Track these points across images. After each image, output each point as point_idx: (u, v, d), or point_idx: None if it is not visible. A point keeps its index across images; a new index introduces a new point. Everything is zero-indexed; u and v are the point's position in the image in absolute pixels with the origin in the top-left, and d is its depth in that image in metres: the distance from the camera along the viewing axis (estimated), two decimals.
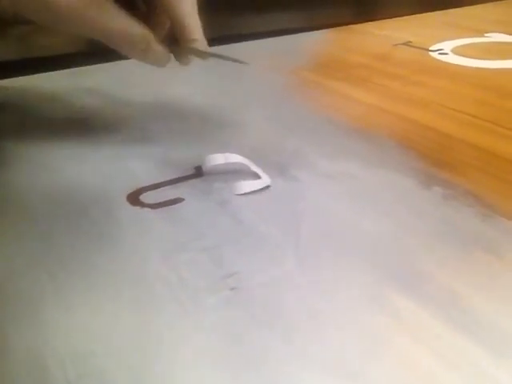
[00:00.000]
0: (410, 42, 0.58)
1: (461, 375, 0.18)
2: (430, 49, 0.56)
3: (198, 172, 0.31)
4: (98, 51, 0.60)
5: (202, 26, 0.34)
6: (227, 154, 0.31)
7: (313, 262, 0.24)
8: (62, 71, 0.50)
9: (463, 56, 0.53)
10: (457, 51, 0.55)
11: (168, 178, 0.30)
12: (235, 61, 0.34)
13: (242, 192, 0.29)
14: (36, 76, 0.49)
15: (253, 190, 0.29)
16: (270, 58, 0.54)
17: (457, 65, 0.51)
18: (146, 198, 0.28)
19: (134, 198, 0.28)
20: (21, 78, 0.48)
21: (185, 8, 0.32)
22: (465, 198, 0.29)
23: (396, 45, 0.57)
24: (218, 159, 0.31)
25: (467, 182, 0.30)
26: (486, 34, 0.61)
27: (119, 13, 0.30)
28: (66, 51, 0.60)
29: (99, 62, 0.52)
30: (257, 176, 0.30)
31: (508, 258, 0.24)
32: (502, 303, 0.21)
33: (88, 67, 0.52)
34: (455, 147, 0.35)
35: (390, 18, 0.73)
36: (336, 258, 0.24)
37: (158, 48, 0.32)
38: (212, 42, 0.35)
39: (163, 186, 0.30)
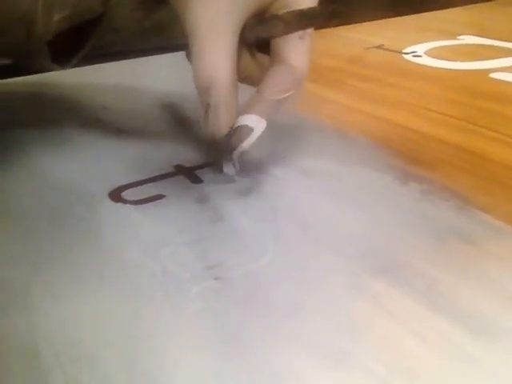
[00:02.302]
0: (383, 45, 0.60)
1: (440, 354, 0.19)
2: (404, 51, 0.58)
3: (178, 170, 0.32)
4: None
5: None
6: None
7: (292, 253, 0.25)
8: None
9: (436, 58, 0.55)
10: (430, 53, 0.57)
11: (149, 176, 0.31)
12: None
13: (247, 147, 0.28)
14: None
15: (252, 141, 0.28)
16: None
17: (430, 66, 0.53)
18: (127, 195, 0.29)
19: (116, 196, 0.29)
20: None
21: None
22: (441, 192, 0.30)
23: (369, 48, 0.59)
24: None
25: (443, 178, 0.32)
26: (458, 37, 0.64)
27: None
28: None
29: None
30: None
31: (483, 247, 0.26)
32: (478, 287, 0.23)
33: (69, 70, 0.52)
34: (430, 144, 0.36)
35: (362, 21, 0.75)
36: (315, 250, 0.25)
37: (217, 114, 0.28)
38: None
39: (144, 184, 0.31)
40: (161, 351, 0.19)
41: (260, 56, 0.32)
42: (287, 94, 0.30)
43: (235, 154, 0.29)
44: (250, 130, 0.28)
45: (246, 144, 0.28)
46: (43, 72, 0.52)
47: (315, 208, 0.29)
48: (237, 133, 0.28)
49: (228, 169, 0.30)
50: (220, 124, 0.28)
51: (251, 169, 0.32)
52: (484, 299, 0.22)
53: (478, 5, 0.85)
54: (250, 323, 0.21)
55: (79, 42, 0.55)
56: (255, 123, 0.28)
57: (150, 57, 0.57)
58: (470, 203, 0.29)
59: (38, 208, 0.29)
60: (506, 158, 0.34)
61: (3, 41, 0.47)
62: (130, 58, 0.56)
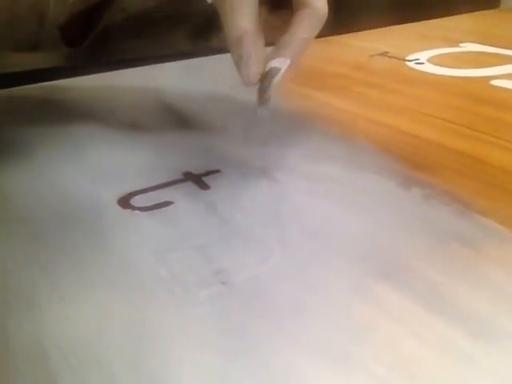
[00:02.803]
0: (387, 52, 0.60)
1: (440, 355, 0.19)
2: (407, 59, 0.58)
3: (187, 177, 0.32)
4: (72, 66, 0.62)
5: None
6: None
7: (296, 257, 0.25)
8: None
9: (439, 65, 0.56)
10: (433, 61, 0.57)
11: (157, 183, 0.32)
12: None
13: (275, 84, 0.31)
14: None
15: (279, 78, 0.31)
16: None
17: (433, 74, 0.53)
18: (136, 201, 0.30)
19: (125, 202, 0.30)
20: None
21: None
22: (442, 197, 0.30)
23: (373, 55, 0.60)
24: None
25: (445, 183, 0.32)
26: (460, 44, 0.64)
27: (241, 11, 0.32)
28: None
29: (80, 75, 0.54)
30: None
31: (483, 251, 0.26)
32: (478, 289, 0.23)
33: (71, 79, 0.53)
34: (432, 150, 0.37)
35: (366, 29, 0.75)
36: (319, 254, 0.25)
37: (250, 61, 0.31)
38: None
39: (153, 190, 0.31)
40: (166, 352, 0.20)
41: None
42: (315, 32, 0.34)
43: (267, 94, 0.32)
44: (278, 70, 0.32)
45: (275, 82, 0.32)
46: (53, 69, 0.53)
47: (318, 212, 0.29)
48: (267, 75, 0.32)
49: (262, 111, 0.32)
50: (252, 72, 0.31)
51: (257, 174, 0.33)
52: (483, 301, 0.22)
53: (480, 12, 0.85)
54: (254, 324, 0.21)
55: (89, 27, 0.56)
56: (281, 63, 0.32)
57: (160, 64, 0.58)
58: (471, 207, 0.29)
59: (47, 213, 0.29)
60: (506, 162, 0.34)
61: (16, 30, 0.48)
62: (142, 65, 0.57)
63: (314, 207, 0.29)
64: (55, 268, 0.24)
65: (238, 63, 0.31)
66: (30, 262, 0.25)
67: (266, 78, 0.32)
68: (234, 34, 0.31)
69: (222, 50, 0.58)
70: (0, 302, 0.22)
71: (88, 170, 0.34)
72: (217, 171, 0.33)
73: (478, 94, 0.48)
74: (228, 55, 0.32)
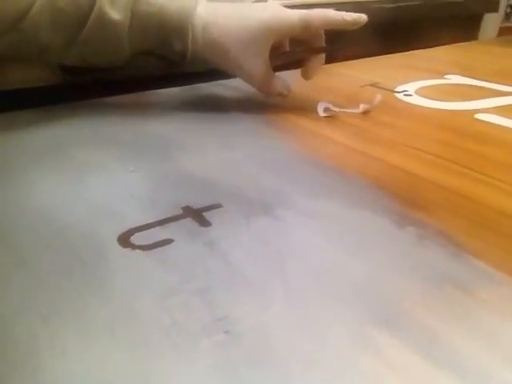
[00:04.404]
0: (377, 82, 0.59)
1: None
2: (396, 90, 0.57)
3: (186, 212, 0.31)
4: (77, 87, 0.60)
5: None
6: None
7: (299, 303, 0.24)
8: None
9: (426, 97, 0.55)
10: (420, 93, 0.56)
11: (157, 218, 0.30)
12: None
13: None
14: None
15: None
16: (247, 98, 0.55)
17: (421, 106, 0.53)
18: (136, 239, 0.28)
19: (125, 240, 0.28)
20: None
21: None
22: (436, 237, 0.29)
23: (363, 86, 0.59)
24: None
25: (438, 222, 0.31)
26: (445, 76, 0.63)
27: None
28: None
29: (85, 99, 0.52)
30: None
31: (477, 294, 0.25)
32: (475, 338, 0.22)
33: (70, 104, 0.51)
34: (424, 187, 0.36)
35: (352, 57, 0.74)
36: (320, 299, 0.24)
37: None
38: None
39: (153, 227, 0.29)
40: None
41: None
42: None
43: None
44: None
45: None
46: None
47: (318, 253, 0.28)
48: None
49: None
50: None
51: (257, 210, 0.31)
52: (480, 350, 0.21)
53: (461, 44, 0.85)
54: (258, 377, 0.20)
55: None
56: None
57: (157, 90, 0.57)
58: (464, 249, 0.28)
59: (45, 253, 0.27)
60: (493, 201, 0.34)
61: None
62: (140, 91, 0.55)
63: (314, 247, 0.28)
64: (56, 318, 0.22)
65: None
66: (30, 310, 0.23)
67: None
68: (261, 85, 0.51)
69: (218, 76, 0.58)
70: (5, 359, 0.21)
71: (87, 202, 0.32)
72: (217, 206, 0.32)
73: (464, 128, 0.47)
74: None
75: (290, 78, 0.53)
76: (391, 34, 1.05)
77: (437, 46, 0.82)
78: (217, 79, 0.59)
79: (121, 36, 0.46)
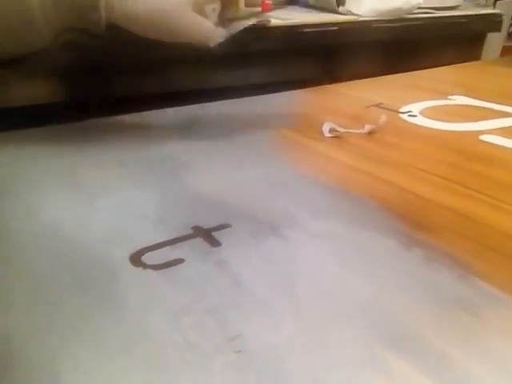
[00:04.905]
0: (381, 103, 0.61)
1: None
2: (400, 111, 0.58)
3: (196, 232, 0.32)
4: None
5: None
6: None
7: (309, 323, 0.25)
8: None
9: (431, 118, 0.56)
10: (425, 113, 0.57)
11: (167, 238, 0.31)
12: None
13: None
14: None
15: None
16: (253, 118, 0.56)
17: (425, 127, 0.54)
18: (148, 258, 0.29)
19: (137, 259, 0.29)
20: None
21: None
22: (443, 259, 0.30)
23: (368, 106, 0.60)
24: None
25: (444, 244, 0.32)
26: (449, 97, 0.64)
27: None
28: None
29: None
30: None
31: (484, 317, 0.26)
32: (485, 362, 0.23)
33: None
34: (431, 209, 0.36)
35: (355, 75, 0.76)
36: (330, 321, 0.25)
37: None
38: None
39: (164, 247, 0.30)
40: None
41: None
42: None
43: None
44: None
45: None
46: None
47: (327, 274, 0.29)
48: None
49: None
50: None
51: (266, 230, 0.32)
52: (491, 375, 0.22)
53: (465, 64, 0.87)
54: None
55: None
56: None
57: (163, 109, 0.58)
58: (471, 271, 0.29)
59: (60, 274, 0.28)
60: (499, 223, 0.34)
61: None
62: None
63: (322, 267, 0.29)
64: (72, 337, 0.23)
65: None
66: (47, 330, 0.24)
67: None
68: None
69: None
70: (25, 381, 0.21)
71: (98, 223, 0.33)
72: (226, 226, 0.33)
73: (469, 149, 0.48)
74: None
75: (296, 99, 0.54)
76: (394, 53, 1.06)
77: (440, 64, 0.83)
78: (223, 99, 0.60)
79: (34, 15, 0.46)
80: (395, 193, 0.39)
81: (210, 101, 0.60)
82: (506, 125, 0.54)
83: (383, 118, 0.51)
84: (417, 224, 0.34)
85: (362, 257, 0.30)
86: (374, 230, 0.33)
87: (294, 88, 0.65)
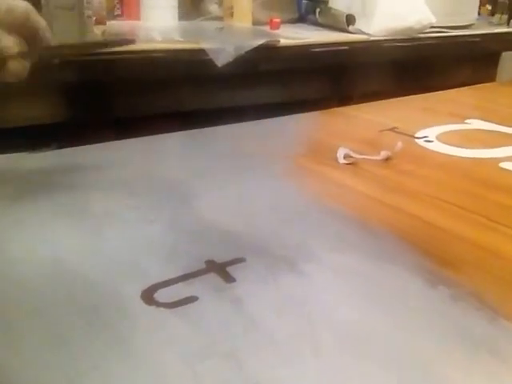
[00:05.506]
0: (396, 127, 0.60)
1: None
2: (416, 135, 0.58)
3: (209, 267, 0.31)
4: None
5: None
6: None
7: (331, 368, 0.24)
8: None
9: (447, 144, 0.55)
10: (442, 139, 0.57)
11: (180, 273, 0.30)
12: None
13: None
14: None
15: None
16: (265, 143, 0.55)
17: (442, 153, 0.53)
18: (160, 295, 0.28)
19: (149, 296, 0.28)
20: None
21: None
22: (470, 298, 0.29)
23: (382, 130, 0.59)
24: None
25: (469, 281, 0.31)
26: (466, 121, 0.64)
27: None
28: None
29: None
30: None
31: (510, 362, 0.25)
32: None
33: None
34: (453, 243, 0.36)
35: (367, 94, 0.75)
36: (352, 363, 0.24)
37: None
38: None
39: (176, 283, 0.29)
40: None
41: None
42: None
43: None
44: None
45: None
46: None
47: (347, 314, 0.28)
48: None
49: None
50: None
51: (281, 266, 0.31)
52: None
53: (480, 85, 0.86)
54: None
55: None
56: None
57: (171, 133, 0.57)
58: (498, 312, 0.28)
59: (68, 312, 0.27)
60: None
61: None
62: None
63: (343, 307, 0.28)
64: (81, 380, 0.22)
65: None
66: (56, 371, 0.23)
67: None
68: None
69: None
70: None
71: (108, 256, 0.32)
72: (240, 260, 0.32)
73: (489, 177, 0.47)
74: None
75: (308, 122, 0.53)
76: (406, 73, 1.06)
77: (453, 85, 0.83)
78: (232, 119, 0.60)
79: None
80: (414, 224, 0.38)
81: (216, 120, 0.59)
82: None
83: (399, 144, 0.50)
84: (440, 259, 0.33)
85: (383, 294, 0.30)
86: (394, 264, 0.32)
87: (304, 108, 0.65)
